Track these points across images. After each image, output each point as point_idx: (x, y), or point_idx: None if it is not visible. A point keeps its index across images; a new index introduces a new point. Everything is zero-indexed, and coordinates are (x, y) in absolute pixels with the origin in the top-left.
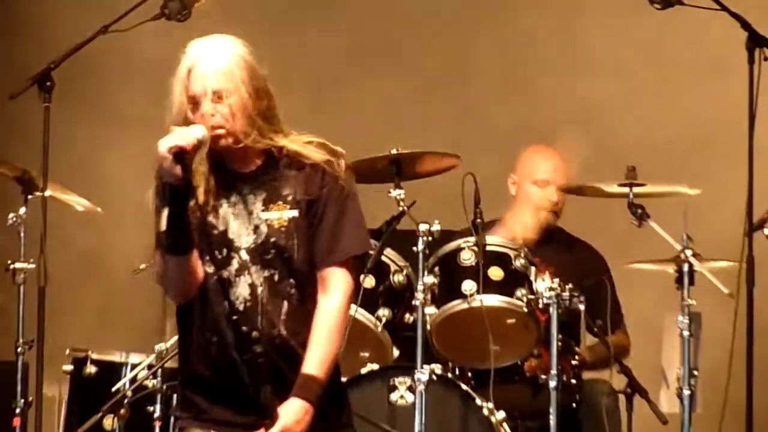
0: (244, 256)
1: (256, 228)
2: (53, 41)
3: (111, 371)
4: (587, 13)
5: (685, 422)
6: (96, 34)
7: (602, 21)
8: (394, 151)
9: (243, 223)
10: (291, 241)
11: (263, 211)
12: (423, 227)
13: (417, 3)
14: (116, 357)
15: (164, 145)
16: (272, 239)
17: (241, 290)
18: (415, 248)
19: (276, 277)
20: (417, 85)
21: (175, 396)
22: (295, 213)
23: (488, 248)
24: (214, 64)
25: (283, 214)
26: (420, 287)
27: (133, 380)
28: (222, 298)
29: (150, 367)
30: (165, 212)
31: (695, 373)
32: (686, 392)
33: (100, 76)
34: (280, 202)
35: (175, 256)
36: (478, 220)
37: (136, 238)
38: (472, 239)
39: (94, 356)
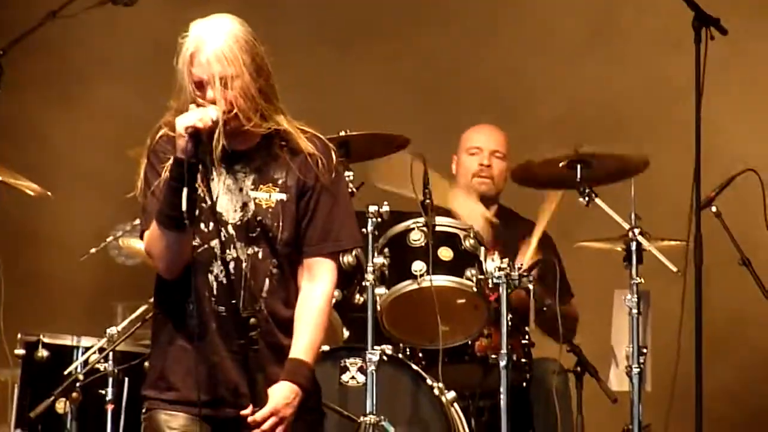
0: (231, 230)
1: (245, 205)
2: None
3: (63, 355)
4: None
5: (635, 400)
6: (44, 20)
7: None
8: (343, 133)
9: (232, 199)
10: (276, 222)
11: (253, 189)
12: (372, 208)
13: None
14: (68, 341)
15: (182, 124)
16: (258, 218)
17: (226, 263)
18: (364, 229)
19: (260, 255)
20: (372, 66)
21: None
22: (283, 196)
23: (437, 228)
24: (216, 48)
25: (271, 196)
26: (370, 268)
27: (84, 364)
28: (206, 270)
29: (101, 350)
30: (174, 186)
31: (644, 351)
32: (635, 370)
33: (52, 60)
34: (270, 184)
35: (177, 232)
36: (427, 201)
37: (86, 223)
38: (422, 220)
39: (46, 340)
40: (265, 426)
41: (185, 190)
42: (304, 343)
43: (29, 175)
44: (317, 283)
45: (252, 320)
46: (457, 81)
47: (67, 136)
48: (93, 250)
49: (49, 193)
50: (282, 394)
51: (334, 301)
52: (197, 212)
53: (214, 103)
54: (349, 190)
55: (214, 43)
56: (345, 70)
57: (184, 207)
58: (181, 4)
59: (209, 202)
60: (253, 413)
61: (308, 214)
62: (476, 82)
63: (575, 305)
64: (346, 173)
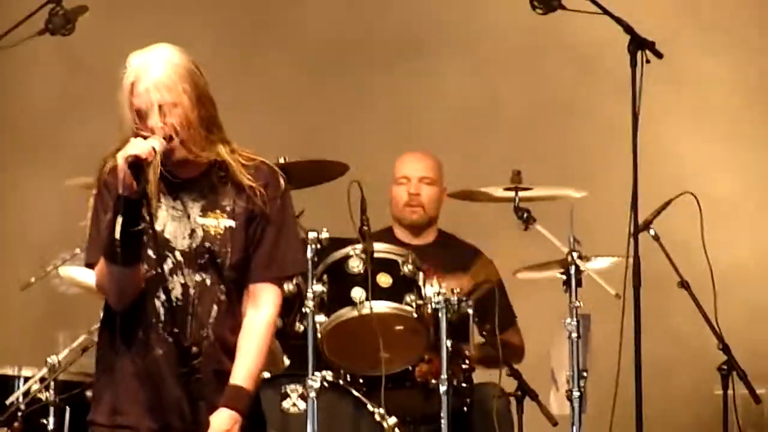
0: (179, 257)
1: (193, 232)
2: None
3: (4, 385)
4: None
5: (576, 423)
6: None
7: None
8: (282, 160)
9: (180, 226)
10: (225, 249)
11: (201, 216)
12: (312, 235)
13: None
14: (9, 371)
15: (121, 155)
16: (207, 244)
17: (174, 290)
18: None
19: (207, 282)
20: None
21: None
22: (231, 223)
23: (376, 255)
24: (156, 76)
25: (219, 222)
26: (310, 295)
27: (26, 394)
28: (153, 296)
29: (43, 380)
30: (118, 222)
31: (584, 374)
32: (576, 393)
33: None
34: (218, 211)
35: (125, 267)
36: (365, 228)
37: (25, 251)
38: (360, 246)
39: None
40: None
41: (119, 221)
42: (244, 370)
43: None
44: (260, 310)
45: (194, 349)
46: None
47: (8, 167)
48: (33, 280)
49: None
50: (222, 420)
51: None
52: (146, 240)
53: (153, 131)
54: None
55: (153, 72)
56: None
57: (117, 235)
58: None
59: (158, 229)
60: None
61: (255, 241)
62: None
63: (518, 331)
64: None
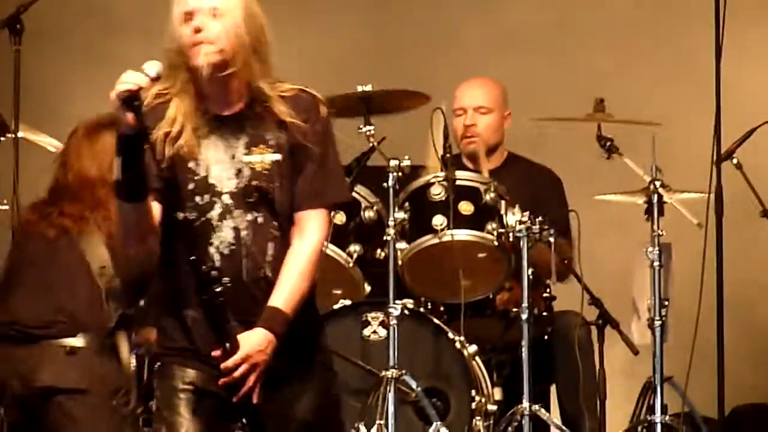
0: (227, 200)
1: (239, 171)
2: None
3: None
4: None
5: (657, 352)
6: None
7: None
8: (363, 89)
9: (224, 167)
10: (273, 184)
11: (245, 154)
12: (393, 163)
13: None
14: None
15: (113, 93)
16: (255, 182)
17: (225, 234)
18: (385, 184)
19: (260, 220)
20: (386, 18)
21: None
22: (277, 157)
23: (458, 183)
24: None
25: (265, 158)
26: (391, 223)
27: None
28: (206, 243)
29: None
30: (117, 161)
31: (666, 303)
32: (657, 322)
33: (69, 16)
34: (263, 146)
35: (129, 203)
36: (447, 155)
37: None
38: (442, 174)
39: None
40: (237, 373)
41: (119, 161)
42: (284, 293)
43: (51, 131)
44: (306, 238)
45: (213, 273)
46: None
47: (90, 91)
48: None
49: None
50: (255, 340)
51: (355, 256)
52: (189, 183)
53: (197, 31)
54: (370, 144)
55: None
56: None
57: (116, 176)
58: None
59: (201, 174)
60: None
61: (298, 170)
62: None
63: (570, 243)
64: (367, 127)
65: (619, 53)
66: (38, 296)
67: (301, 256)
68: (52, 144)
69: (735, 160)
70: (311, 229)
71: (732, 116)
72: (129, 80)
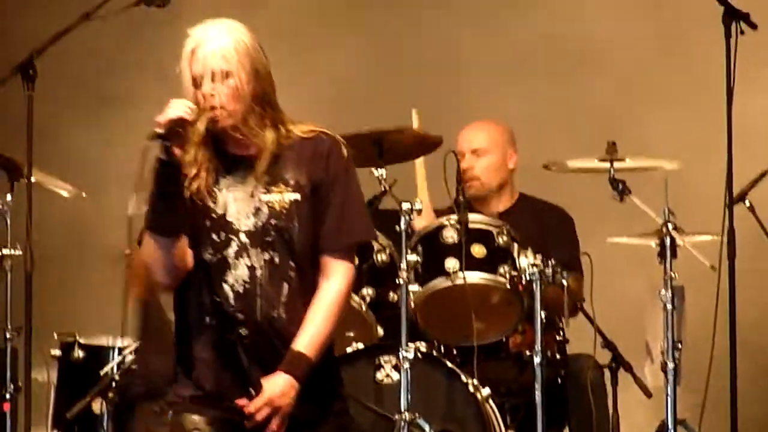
0: (244, 239)
1: (257, 210)
2: (34, 30)
3: (98, 355)
4: None
5: (670, 395)
6: (78, 21)
7: None
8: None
9: (243, 206)
10: (292, 223)
11: (264, 193)
12: (405, 206)
13: None
14: (103, 341)
15: (160, 116)
16: (273, 221)
17: (240, 272)
18: (397, 227)
19: (276, 260)
20: (395, 61)
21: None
22: (297, 196)
23: (470, 225)
24: (215, 45)
25: (284, 197)
26: (403, 265)
27: (120, 364)
28: (221, 281)
29: (137, 351)
30: (134, 197)
31: (679, 346)
32: (670, 365)
33: (82, 60)
34: (282, 185)
35: (162, 237)
36: (461, 198)
37: (121, 222)
38: (455, 217)
39: (82, 341)
40: (259, 416)
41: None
42: (308, 337)
43: (63, 176)
44: (332, 280)
45: (239, 315)
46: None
47: (99, 137)
48: (127, 251)
49: (83, 194)
50: (278, 385)
51: (368, 299)
52: (207, 221)
53: (204, 98)
54: (382, 188)
55: (215, 41)
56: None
57: (150, 206)
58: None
59: (219, 212)
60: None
61: (322, 209)
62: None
63: (581, 278)
64: (380, 171)
65: (629, 89)
66: None
67: (327, 300)
68: (65, 188)
69: (747, 202)
70: (337, 273)
71: (745, 156)
72: (177, 108)
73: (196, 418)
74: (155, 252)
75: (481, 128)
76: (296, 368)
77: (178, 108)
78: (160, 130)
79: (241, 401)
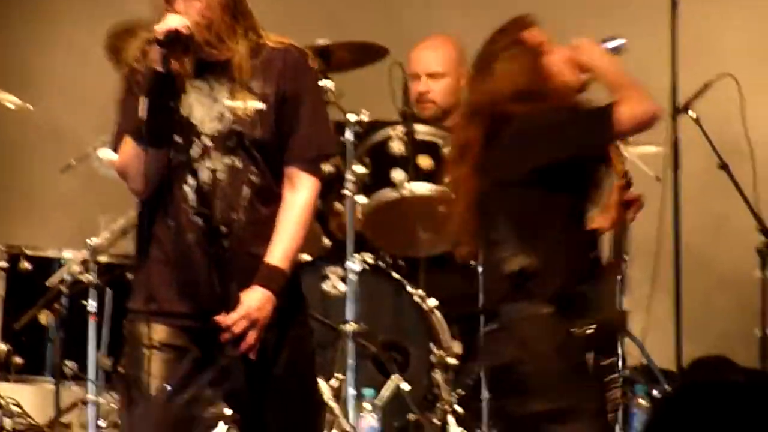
0: (207, 141)
1: (221, 115)
2: None
3: (45, 267)
4: None
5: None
6: None
7: None
8: (321, 42)
9: (207, 110)
10: (255, 131)
11: (228, 99)
12: (352, 117)
13: None
14: (50, 253)
15: (159, 28)
16: (236, 127)
17: (202, 175)
18: (343, 138)
19: (238, 164)
20: None
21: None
22: (261, 105)
23: (417, 137)
24: None
25: (248, 104)
26: (350, 177)
27: (67, 275)
28: (182, 183)
29: (84, 262)
30: (143, 100)
31: (625, 257)
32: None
33: None
34: (247, 93)
35: (152, 148)
36: (407, 109)
37: (67, 135)
38: (401, 128)
39: (29, 252)
40: (236, 329)
41: (144, 100)
42: (280, 250)
43: (9, 88)
44: (298, 192)
45: (223, 229)
46: None
47: (47, 49)
48: (73, 162)
49: (29, 106)
50: (255, 298)
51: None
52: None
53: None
54: (329, 99)
55: None
56: None
57: (143, 113)
58: None
59: (182, 115)
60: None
61: (288, 123)
62: None
63: None
64: (326, 82)
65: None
66: None
67: (296, 212)
68: (10, 100)
69: (693, 114)
70: (304, 184)
71: (691, 69)
72: (174, 22)
73: (151, 327)
74: (134, 159)
75: (435, 49)
76: (272, 281)
77: (177, 21)
78: (160, 37)
79: (220, 316)
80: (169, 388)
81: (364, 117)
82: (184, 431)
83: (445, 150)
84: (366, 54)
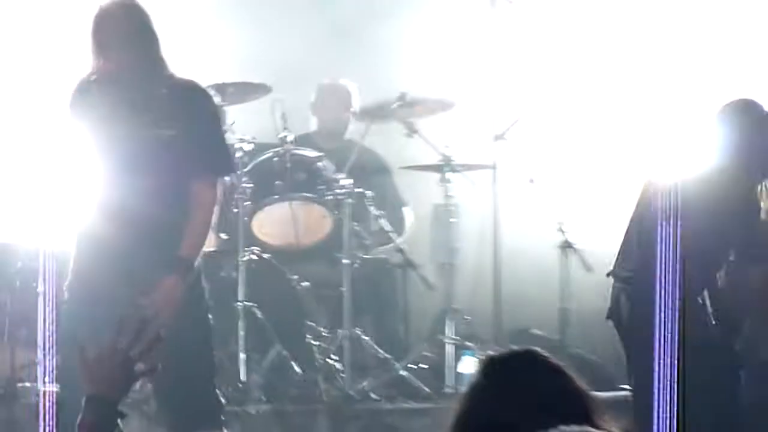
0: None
1: (139, 141)
2: None
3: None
4: None
5: (449, 287)
6: None
7: None
8: (218, 82)
9: (127, 141)
10: (166, 153)
11: (143, 129)
12: (241, 142)
13: None
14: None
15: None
16: (150, 150)
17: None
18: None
19: (152, 179)
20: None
21: None
22: (170, 131)
23: (294, 156)
24: (111, 14)
25: (161, 132)
26: (242, 188)
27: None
28: None
29: None
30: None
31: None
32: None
33: None
34: (158, 121)
35: None
36: (285, 135)
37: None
38: (281, 149)
39: None
40: (151, 310)
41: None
42: (189, 245)
43: None
44: (201, 200)
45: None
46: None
47: None
48: None
49: None
50: (168, 283)
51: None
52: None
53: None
54: (224, 127)
55: (111, 12)
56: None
57: None
58: None
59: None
60: None
61: (188, 142)
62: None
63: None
64: (223, 111)
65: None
66: None
67: (202, 214)
68: None
69: (507, 139)
70: (206, 196)
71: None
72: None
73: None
74: None
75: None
76: (182, 269)
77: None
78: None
79: (139, 298)
80: None
81: (251, 142)
82: None
83: (318, 164)
84: (253, 91)
